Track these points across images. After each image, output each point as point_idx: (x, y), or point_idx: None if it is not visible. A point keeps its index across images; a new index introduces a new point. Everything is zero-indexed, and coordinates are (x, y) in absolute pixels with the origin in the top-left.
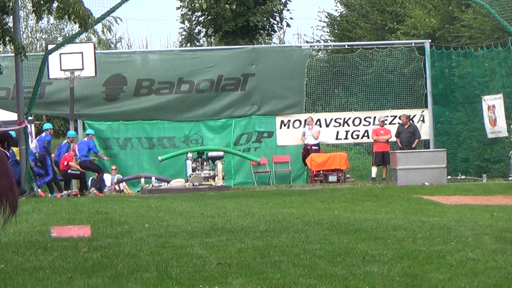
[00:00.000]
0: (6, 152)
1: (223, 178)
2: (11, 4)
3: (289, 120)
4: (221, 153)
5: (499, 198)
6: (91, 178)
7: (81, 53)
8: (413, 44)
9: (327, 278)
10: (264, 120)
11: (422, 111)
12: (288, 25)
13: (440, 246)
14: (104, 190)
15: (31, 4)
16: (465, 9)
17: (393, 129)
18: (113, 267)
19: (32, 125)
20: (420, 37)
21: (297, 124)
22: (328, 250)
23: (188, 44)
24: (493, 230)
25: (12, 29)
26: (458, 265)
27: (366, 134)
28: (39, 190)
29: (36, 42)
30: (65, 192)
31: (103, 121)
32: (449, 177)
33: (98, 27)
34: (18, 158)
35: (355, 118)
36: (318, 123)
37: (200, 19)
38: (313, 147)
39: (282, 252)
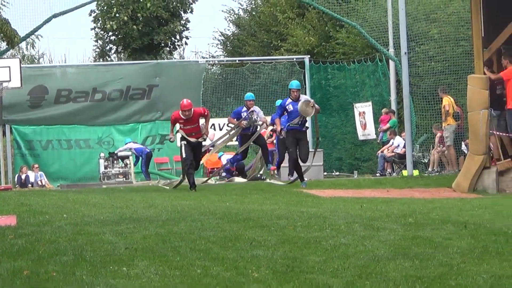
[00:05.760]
0: None
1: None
2: None
3: None
4: (129, 153)
5: (368, 192)
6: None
7: (9, 67)
8: (294, 59)
9: (220, 260)
10: (166, 125)
11: None
12: (186, 43)
13: (316, 233)
14: (29, 185)
15: None
16: (339, 29)
17: None
18: (35, 252)
19: None
20: (301, 53)
21: None
22: (220, 236)
23: (101, 59)
24: (362, 219)
25: None
26: (332, 249)
27: None
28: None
29: None
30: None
31: (28, 125)
32: (325, 173)
33: (23, 44)
34: None
35: None
36: (212, 127)
37: (111, 38)
38: (210, 148)
39: (181, 238)
